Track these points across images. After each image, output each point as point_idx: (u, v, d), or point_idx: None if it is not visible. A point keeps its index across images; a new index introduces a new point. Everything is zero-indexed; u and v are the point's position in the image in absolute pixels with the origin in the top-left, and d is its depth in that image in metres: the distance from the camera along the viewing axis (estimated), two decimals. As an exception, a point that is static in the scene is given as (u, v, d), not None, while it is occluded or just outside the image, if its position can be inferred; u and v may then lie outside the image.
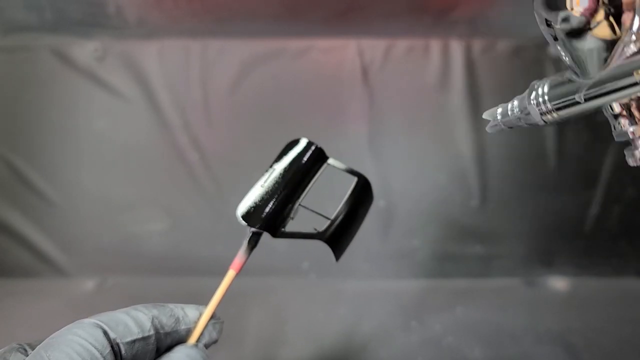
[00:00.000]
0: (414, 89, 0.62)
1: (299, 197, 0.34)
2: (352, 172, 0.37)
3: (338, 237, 0.34)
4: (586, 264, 0.65)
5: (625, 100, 0.26)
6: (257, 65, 0.62)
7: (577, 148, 0.63)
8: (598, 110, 0.27)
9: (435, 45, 0.61)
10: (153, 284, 0.65)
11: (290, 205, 0.33)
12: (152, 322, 0.27)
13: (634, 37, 0.24)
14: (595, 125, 0.62)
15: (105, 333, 0.25)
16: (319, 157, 0.36)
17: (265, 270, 0.59)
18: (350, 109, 0.63)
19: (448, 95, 0.62)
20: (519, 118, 0.31)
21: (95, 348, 0.24)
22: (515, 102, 0.31)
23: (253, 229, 0.32)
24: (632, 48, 0.25)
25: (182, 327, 0.28)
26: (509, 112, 0.31)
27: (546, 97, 0.28)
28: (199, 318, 0.30)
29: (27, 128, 0.64)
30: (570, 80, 0.28)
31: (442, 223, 0.65)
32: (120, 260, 0.67)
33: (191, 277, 0.65)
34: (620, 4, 0.25)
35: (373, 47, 0.61)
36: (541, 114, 0.29)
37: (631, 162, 0.27)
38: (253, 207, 0.32)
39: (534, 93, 0.29)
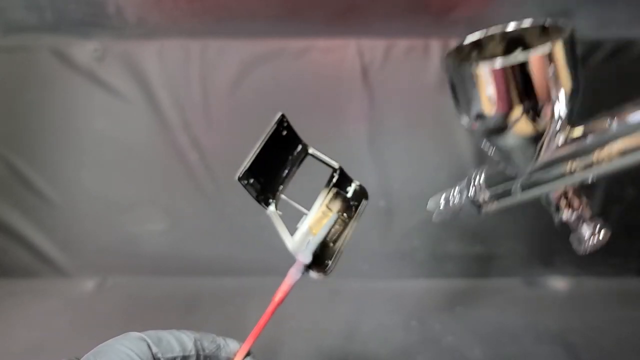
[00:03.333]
0: (414, 89, 0.62)
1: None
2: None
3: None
4: (586, 264, 0.65)
5: (561, 190, 0.26)
6: (257, 65, 0.62)
7: (577, 148, 0.63)
8: (535, 199, 0.27)
9: (435, 45, 0.61)
10: (153, 284, 0.65)
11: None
12: (195, 343, 0.29)
13: (559, 127, 0.24)
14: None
15: (149, 347, 0.27)
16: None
17: (265, 270, 0.59)
18: (350, 109, 0.63)
19: (448, 95, 0.62)
20: (461, 208, 0.31)
21: (140, 358, 0.26)
22: (457, 189, 0.31)
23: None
24: (560, 139, 0.24)
25: (223, 354, 0.30)
26: (451, 201, 0.32)
27: (483, 187, 0.28)
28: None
29: (27, 128, 0.64)
30: (504, 173, 0.27)
31: (442, 223, 0.65)
32: (120, 260, 0.67)
33: (191, 277, 0.66)
34: (536, 98, 0.24)
35: (373, 47, 0.61)
36: (481, 204, 0.29)
37: (580, 250, 0.27)
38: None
39: (472, 182, 0.29)
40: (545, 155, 0.24)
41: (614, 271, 0.64)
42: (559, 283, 0.64)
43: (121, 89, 0.63)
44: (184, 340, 0.28)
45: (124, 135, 0.64)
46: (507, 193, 0.28)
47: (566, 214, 0.27)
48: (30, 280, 0.66)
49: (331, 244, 0.33)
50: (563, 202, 0.27)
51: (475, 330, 0.56)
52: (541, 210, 0.64)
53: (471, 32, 0.30)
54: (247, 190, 0.31)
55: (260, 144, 0.32)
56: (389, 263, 0.66)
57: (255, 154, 0.32)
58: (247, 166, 0.31)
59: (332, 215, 0.33)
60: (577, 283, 0.64)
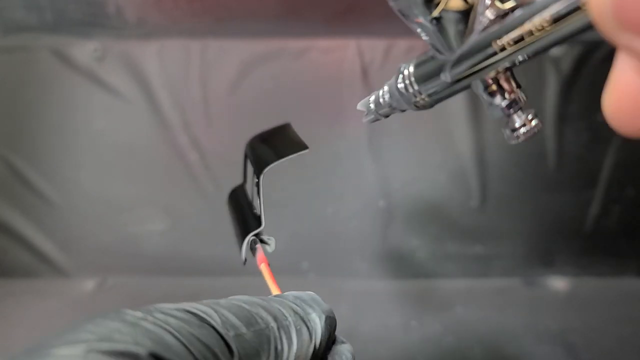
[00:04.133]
0: (414, 89, 0.62)
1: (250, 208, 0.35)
2: (245, 161, 0.37)
3: (262, 157, 0.34)
4: (586, 263, 0.65)
5: (492, 74, 0.24)
6: (257, 65, 0.62)
7: (577, 148, 0.63)
8: (468, 88, 0.24)
9: (435, 45, 0.61)
10: (153, 283, 0.65)
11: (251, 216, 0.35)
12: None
13: (487, 2, 0.22)
14: (595, 125, 0.62)
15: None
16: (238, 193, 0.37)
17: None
18: (350, 109, 0.63)
19: (448, 95, 0.62)
20: (391, 105, 0.28)
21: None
22: (385, 88, 0.28)
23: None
24: (488, 16, 0.22)
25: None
26: (381, 100, 0.29)
27: (412, 79, 0.26)
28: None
29: (27, 128, 0.64)
30: (433, 58, 0.25)
31: (442, 223, 0.65)
32: (120, 260, 0.67)
33: (191, 277, 0.66)
34: None
35: (373, 47, 0.61)
36: (412, 99, 0.26)
37: (511, 141, 0.25)
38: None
39: (400, 76, 0.27)
40: (475, 33, 0.22)
41: (614, 271, 0.64)
42: (559, 283, 0.64)
43: (121, 89, 0.63)
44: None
45: (124, 135, 0.64)
46: (437, 84, 0.26)
47: (498, 101, 0.25)
48: (30, 280, 0.66)
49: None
50: (494, 88, 0.25)
51: (475, 330, 0.56)
52: (541, 210, 0.65)
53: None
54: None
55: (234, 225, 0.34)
56: (389, 263, 0.66)
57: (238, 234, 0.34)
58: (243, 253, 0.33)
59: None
60: (577, 283, 0.64)
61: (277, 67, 0.62)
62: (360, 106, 0.31)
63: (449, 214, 0.65)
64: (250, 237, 0.33)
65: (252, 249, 0.33)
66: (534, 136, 0.25)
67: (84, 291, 0.64)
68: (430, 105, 0.26)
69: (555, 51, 0.59)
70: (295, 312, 0.25)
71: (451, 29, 0.24)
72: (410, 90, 0.26)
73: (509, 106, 0.24)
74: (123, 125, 0.64)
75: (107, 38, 0.61)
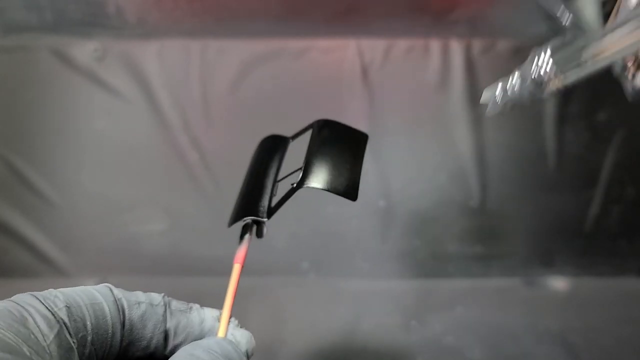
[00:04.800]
0: (414, 89, 0.62)
1: (275, 176, 0.34)
2: (306, 128, 0.37)
3: (318, 172, 0.33)
4: (586, 263, 0.65)
5: (634, 55, 0.24)
6: (257, 65, 0.62)
7: (577, 148, 0.63)
8: (607, 70, 0.24)
9: (435, 45, 0.61)
10: (153, 284, 0.65)
11: (270, 185, 0.33)
12: (163, 297, 0.28)
13: None
14: (595, 125, 0.62)
15: (111, 289, 0.27)
16: (278, 141, 0.36)
17: (265, 270, 0.59)
18: (350, 109, 0.63)
19: (448, 95, 0.62)
20: (521, 92, 0.28)
21: (100, 293, 0.26)
22: (516, 74, 0.28)
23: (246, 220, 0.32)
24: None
25: (195, 315, 0.28)
26: (509, 89, 0.28)
27: (550, 62, 0.26)
28: (218, 316, 0.30)
29: (27, 128, 0.64)
30: (572, 42, 0.25)
31: (442, 223, 0.65)
32: (120, 260, 0.67)
33: (191, 277, 0.66)
34: None
35: (373, 47, 0.61)
36: (546, 82, 0.26)
37: None
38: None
39: (535, 60, 0.26)
40: (620, 15, 0.22)
41: (614, 271, 0.64)
42: (559, 283, 0.64)
43: (121, 89, 0.63)
44: (152, 294, 0.28)
45: (124, 135, 0.64)
46: (577, 65, 0.26)
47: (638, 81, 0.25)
48: (30, 280, 0.66)
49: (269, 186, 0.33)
50: (635, 67, 0.25)
51: (475, 330, 0.56)
52: (541, 210, 0.65)
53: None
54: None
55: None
56: (389, 263, 0.66)
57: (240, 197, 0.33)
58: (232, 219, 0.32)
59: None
60: (577, 283, 0.64)
61: (277, 67, 0.62)
62: (484, 98, 0.30)
63: (449, 214, 0.65)
64: (250, 219, 0.32)
65: (244, 233, 0.33)
66: None
67: (84, 291, 0.64)
68: (562, 92, 0.26)
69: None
70: None
71: (596, 9, 0.24)
72: (549, 74, 0.26)
73: None
74: (123, 125, 0.64)
75: (107, 38, 0.61)
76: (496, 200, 0.64)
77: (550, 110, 0.61)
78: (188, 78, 0.62)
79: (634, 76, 0.25)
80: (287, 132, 0.40)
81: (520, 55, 0.61)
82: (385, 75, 0.62)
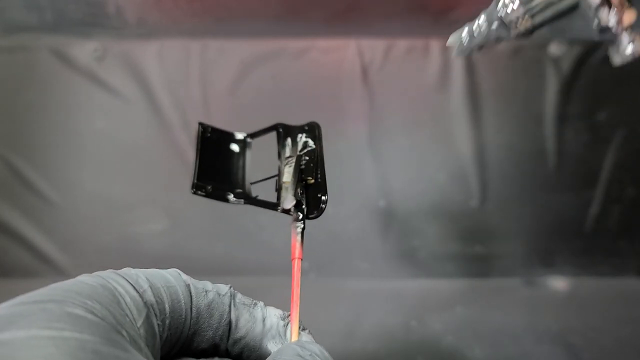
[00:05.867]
0: (414, 89, 0.62)
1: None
2: (268, 129, 0.36)
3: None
4: (586, 263, 0.65)
5: None
6: (257, 65, 0.62)
7: (577, 148, 0.63)
8: (574, 8, 0.24)
9: (435, 45, 0.61)
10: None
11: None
12: (230, 289, 0.27)
13: None
14: (595, 125, 0.62)
15: (180, 274, 0.25)
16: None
17: (265, 270, 0.59)
18: (350, 109, 0.63)
19: (448, 95, 0.62)
20: (488, 34, 0.27)
21: (171, 275, 0.24)
22: (482, 17, 0.27)
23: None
24: None
25: (259, 311, 0.28)
26: (476, 30, 0.28)
27: (517, 2, 0.25)
28: (285, 318, 0.28)
29: (27, 128, 0.64)
30: None
31: (442, 223, 0.65)
32: (120, 260, 0.66)
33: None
34: None
35: (373, 47, 0.61)
36: (512, 22, 0.25)
37: (617, 60, 0.24)
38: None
39: (502, 0, 0.26)
40: None
41: (614, 271, 0.64)
42: (559, 283, 0.64)
43: (121, 89, 0.63)
44: (220, 285, 0.27)
45: (124, 135, 0.64)
46: (543, 3, 0.25)
47: (606, 18, 0.24)
48: (30, 280, 0.66)
49: (312, 179, 0.32)
50: (604, 3, 0.24)
51: (475, 330, 0.56)
52: (541, 210, 0.65)
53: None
54: (210, 197, 0.31)
55: (196, 156, 0.32)
56: (389, 263, 0.66)
57: (197, 165, 0.31)
58: (196, 177, 0.31)
59: (294, 158, 0.33)
60: (577, 283, 0.64)
61: (277, 67, 0.62)
62: (451, 41, 0.29)
63: (449, 214, 0.65)
64: (231, 196, 0.31)
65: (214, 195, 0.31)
66: None
67: (84, 291, 0.64)
68: (530, 33, 0.26)
69: (555, 51, 0.59)
70: None
71: None
72: (515, 14, 0.25)
73: (618, 22, 0.23)
74: (123, 125, 0.64)
75: (107, 38, 0.61)
76: (496, 200, 0.64)
77: (550, 110, 0.61)
78: (188, 78, 0.62)
79: (597, 12, 0.24)
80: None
81: (520, 55, 0.61)
82: (385, 75, 0.62)
